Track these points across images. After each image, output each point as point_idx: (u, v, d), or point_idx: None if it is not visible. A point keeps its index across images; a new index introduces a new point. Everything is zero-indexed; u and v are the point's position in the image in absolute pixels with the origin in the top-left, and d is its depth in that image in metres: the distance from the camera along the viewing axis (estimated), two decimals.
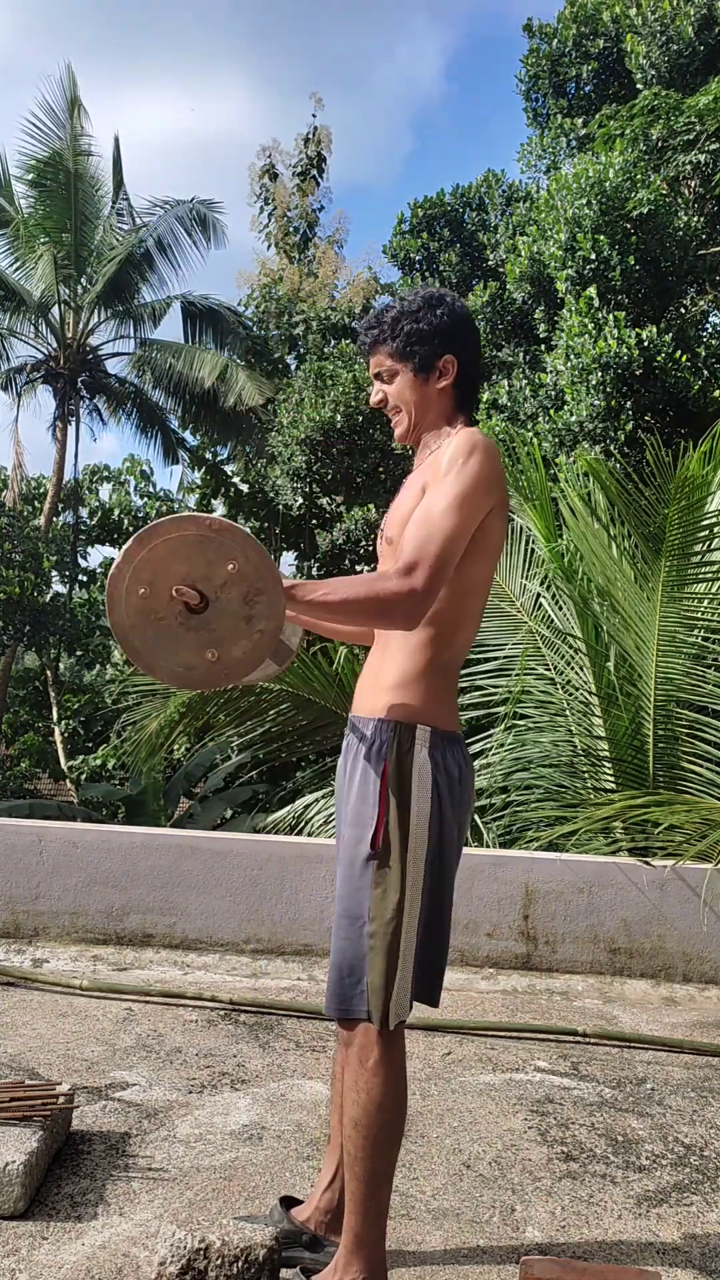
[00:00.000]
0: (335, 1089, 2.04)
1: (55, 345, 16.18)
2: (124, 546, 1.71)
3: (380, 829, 1.82)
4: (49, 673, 15.38)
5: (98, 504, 16.78)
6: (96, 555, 26.07)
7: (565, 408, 8.78)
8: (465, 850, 3.96)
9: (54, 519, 15.80)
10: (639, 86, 10.65)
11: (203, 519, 1.70)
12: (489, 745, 5.47)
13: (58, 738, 14.47)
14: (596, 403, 8.35)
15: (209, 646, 1.73)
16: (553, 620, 5.72)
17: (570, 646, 5.57)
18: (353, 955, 1.84)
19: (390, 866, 1.82)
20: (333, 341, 14.30)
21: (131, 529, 16.56)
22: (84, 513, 16.80)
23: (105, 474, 17.14)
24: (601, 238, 8.68)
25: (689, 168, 9.49)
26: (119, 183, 16.18)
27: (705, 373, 8.75)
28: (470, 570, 1.87)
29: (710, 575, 5.11)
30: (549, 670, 5.59)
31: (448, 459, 1.86)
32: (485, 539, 1.88)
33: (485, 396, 9.84)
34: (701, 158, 9.37)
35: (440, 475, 1.85)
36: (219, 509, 16.73)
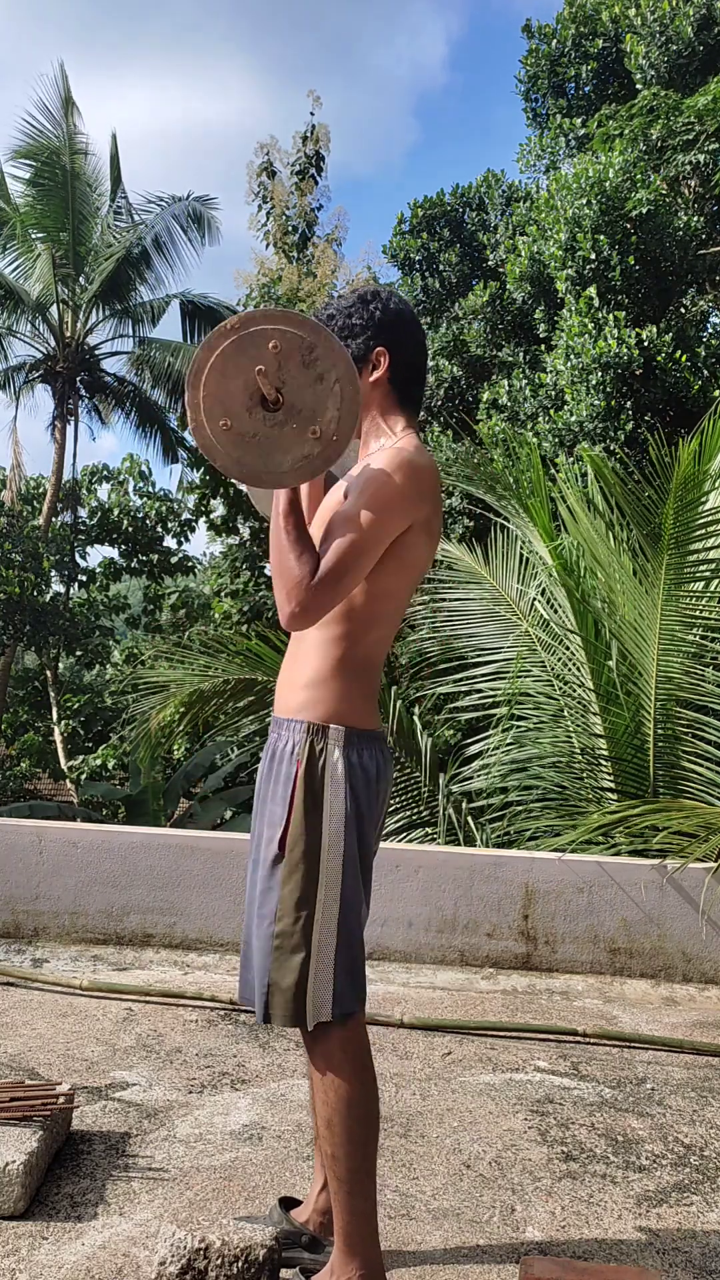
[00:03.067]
0: (311, 1090, 2.05)
1: (54, 344, 16.18)
2: (184, 400, 1.74)
3: (286, 829, 1.82)
4: (49, 673, 15.38)
5: (97, 504, 16.78)
6: (96, 555, 26.09)
7: (565, 408, 8.78)
8: (465, 850, 3.94)
9: (53, 519, 15.80)
10: (638, 86, 10.65)
11: (223, 327, 1.71)
12: (487, 746, 5.47)
13: (58, 738, 14.46)
14: (596, 402, 8.34)
15: (308, 426, 1.73)
16: (550, 621, 5.72)
17: (568, 647, 5.57)
18: (260, 953, 1.84)
19: (301, 867, 1.81)
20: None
21: (131, 529, 16.55)
22: (83, 512, 16.79)
23: (104, 473, 17.13)
24: (601, 238, 8.67)
25: (689, 168, 9.48)
26: (117, 180, 16.18)
27: (705, 372, 8.74)
28: (383, 579, 1.87)
29: (708, 573, 5.11)
30: (547, 671, 5.60)
31: (371, 471, 1.85)
32: (402, 554, 1.88)
33: (485, 396, 9.84)
34: (701, 158, 9.37)
35: (361, 484, 1.84)
36: (218, 508, 16.73)
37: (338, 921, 1.82)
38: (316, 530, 1.93)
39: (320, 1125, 1.84)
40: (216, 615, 12.63)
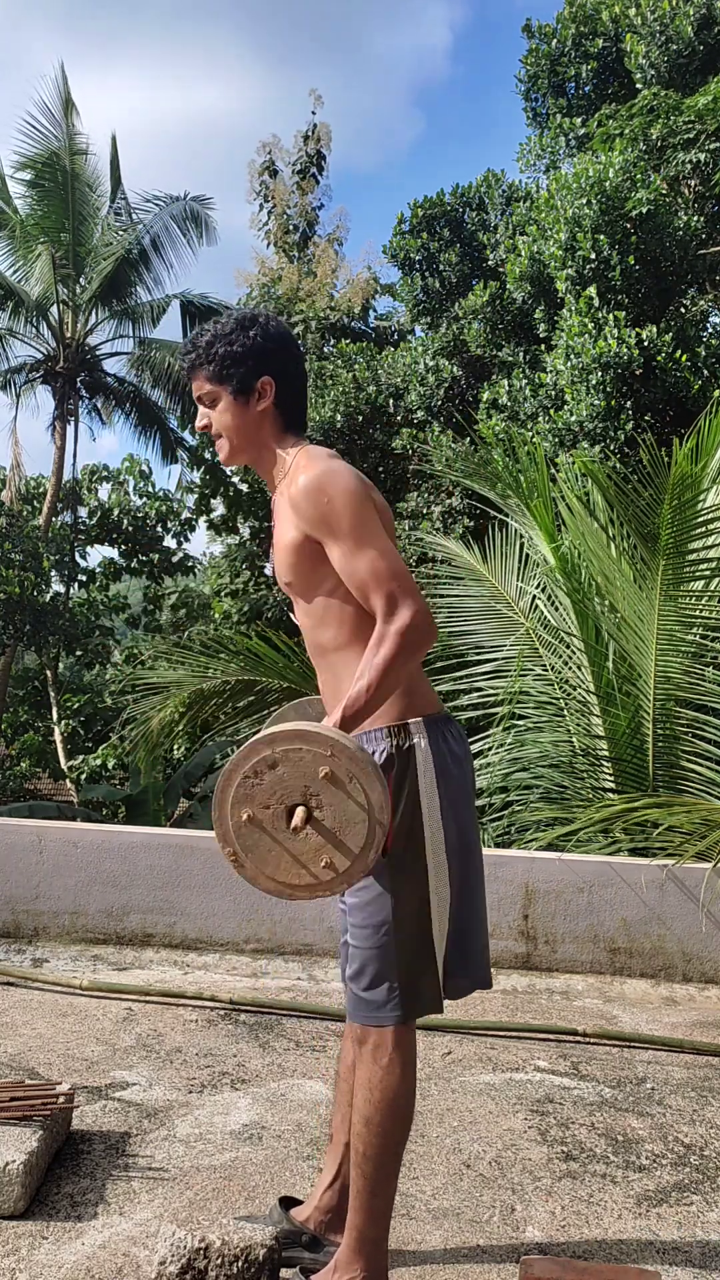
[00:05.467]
0: (340, 1089, 2.04)
1: (54, 345, 16.18)
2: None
3: (391, 832, 1.81)
4: (49, 673, 15.38)
5: (97, 504, 16.78)
6: (96, 555, 26.10)
7: (565, 407, 8.78)
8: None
9: (53, 518, 15.80)
10: (638, 86, 10.65)
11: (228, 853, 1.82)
12: (488, 745, 5.47)
13: (58, 738, 14.47)
14: (596, 402, 8.34)
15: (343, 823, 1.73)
16: (550, 621, 5.72)
17: (568, 647, 5.57)
18: (378, 961, 1.83)
19: (410, 866, 1.82)
20: (331, 341, 14.29)
21: (131, 529, 16.54)
22: (83, 512, 16.80)
23: (104, 473, 17.14)
24: (601, 237, 8.67)
25: (689, 167, 9.48)
26: (116, 181, 16.19)
27: (705, 373, 8.74)
28: None
29: (706, 573, 5.11)
30: (547, 671, 5.60)
31: (313, 506, 1.82)
32: None
33: (485, 396, 9.84)
34: (701, 157, 9.37)
35: (324, 524, 1.82)
36: (218, 508, 16.74)
37: (451, 909, 1.85)
38: (287, 573, 1.92)
39: (357, 1122, 1.84)
40: (216, 615, 12.63)
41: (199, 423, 2.01)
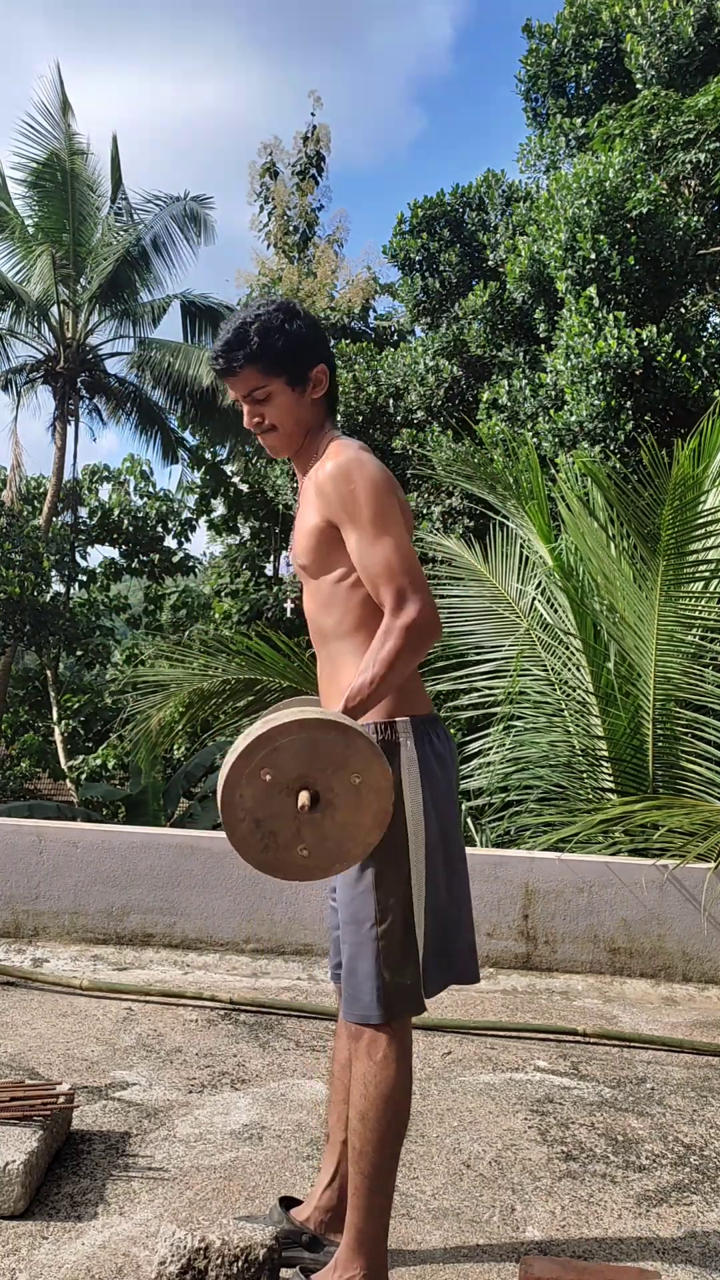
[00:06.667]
0: (335, 1086, 2.04)
1: (54, 345, 16.18)
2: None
3: None
4: (49, 673, 15.38)
5: (97, 504, 16.80)
6: (96, 555, 26.12)
7: (565, 408, 8.78)
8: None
9: (53, 519, 15.80)
10: (639, 86, 10.64)
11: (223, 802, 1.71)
12: (487, 746, 5.46)
13: (58, 738, 14.47)
14: (596, 403, 8.34)
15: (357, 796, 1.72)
16: (549, 621, 5.72)
17: (568, 647, 5.57)
18: (365, 958, 1.84)
19: (393, 864, 1.83)
20: (332, 341, 14.30)
21: (131, 529, 16.55)
22: (83, 512, 16.81)
23: (105, 474, 17.15)
24: (601, 238, 8.67)
25: (689, 167, 9.48)
26: (117, 182, 16.20)
27: (705, 373, 8.74)
28: None
29: (706, 574, 5.11)
30: (547, 671, 5.59)
31: (337, 491, 1.85)
32: None
33: (485, 396, 9.85)
34: (701, 157, 9.37)
35: (344, 510, 1.84)
36: (218, 508, 16.75)
37: (431, 907, 1.86)
38: (306, 556, 1.93)
39: (353, 1118, 1.84)
40: (216, 615, 12.64)
41: (249, 420, 1.97)
